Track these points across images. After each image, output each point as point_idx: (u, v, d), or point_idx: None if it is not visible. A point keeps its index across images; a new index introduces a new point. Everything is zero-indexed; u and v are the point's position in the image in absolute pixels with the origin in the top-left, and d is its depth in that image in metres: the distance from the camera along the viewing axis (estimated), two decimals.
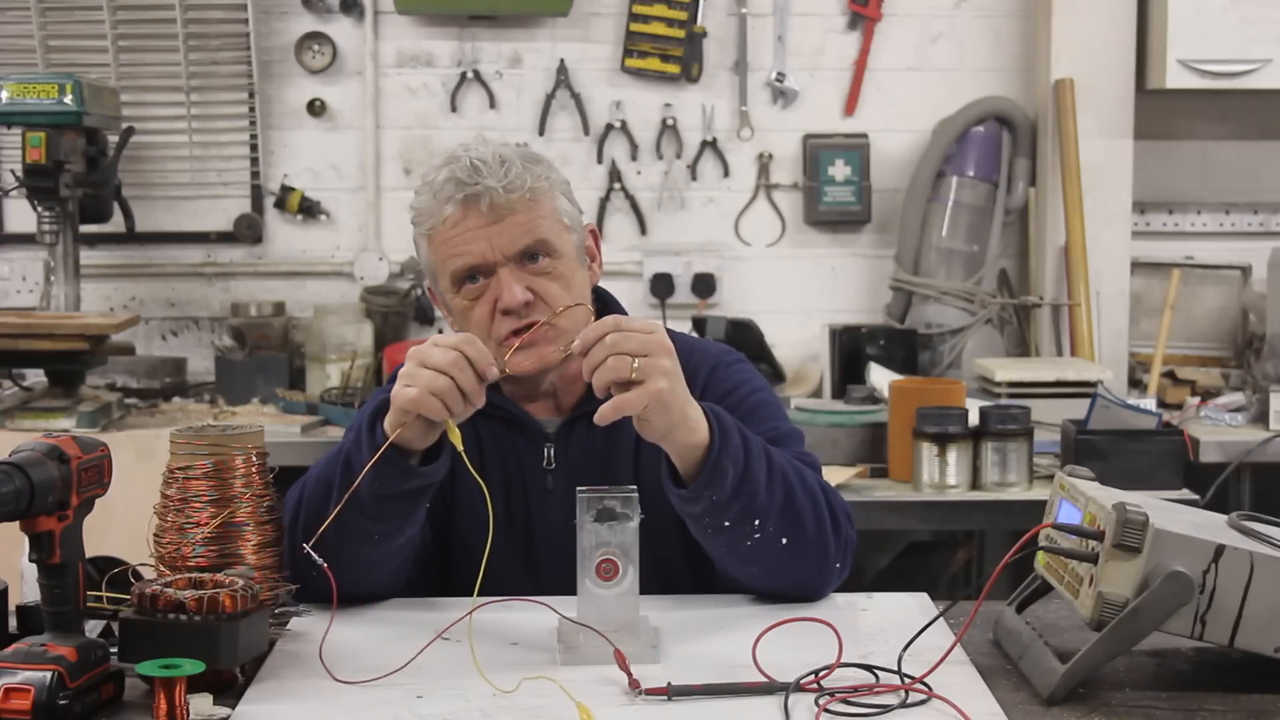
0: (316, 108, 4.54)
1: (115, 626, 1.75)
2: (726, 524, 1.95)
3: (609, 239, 4.53)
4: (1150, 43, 4.34)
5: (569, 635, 1.80)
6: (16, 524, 1.62)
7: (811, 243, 4.64)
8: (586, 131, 4.55)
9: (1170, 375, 4.28)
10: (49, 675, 1.56)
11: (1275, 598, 1.64)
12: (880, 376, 3.98)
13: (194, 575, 1.77)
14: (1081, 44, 4.36)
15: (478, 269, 2.10)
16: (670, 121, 4.56)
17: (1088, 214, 4.30)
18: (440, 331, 4.17)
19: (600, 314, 2.23)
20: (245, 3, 4.43)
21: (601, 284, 2.30)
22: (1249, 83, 4.26)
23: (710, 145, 4.58)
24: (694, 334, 4.14)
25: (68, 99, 3.90)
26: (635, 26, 4.52)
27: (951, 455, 3.40)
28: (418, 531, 2.05)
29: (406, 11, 4.48)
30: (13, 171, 4.14)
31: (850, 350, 4.23)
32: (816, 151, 4.53)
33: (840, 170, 4.52)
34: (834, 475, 3.46)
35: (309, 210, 4.55)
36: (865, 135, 4.55)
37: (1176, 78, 4.24)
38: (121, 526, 2.01)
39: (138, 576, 1.85)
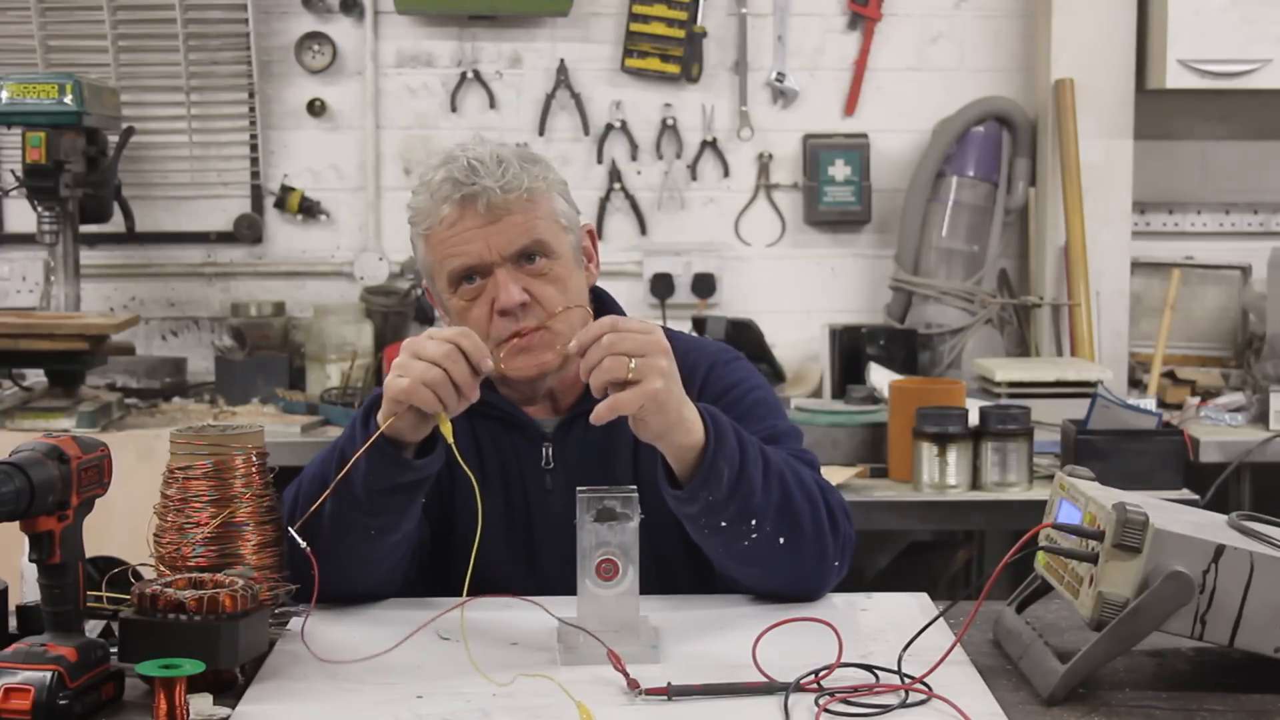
0: (316, 108, 4.54)
1: (115, 626, 1.75)
2: (723, 524, 1.95)
3: (609, 239, 4.53)
4: (1150, 43, 4.34)
5: (569, 635, 1.80)
6: (16, 524, 1.62)
7: (811, 243, 4.64)
8: (586, 131, 4.55)
9: (1170, 375, 4.28)
10: (49, 675, 1.56)
11: (1275, 598, 1.64)
12: (880, 376, 3.98)
13: (194, 575, 1.77)
14: (1081, 44, 4.36)
15: (475, 269, 2.09)
16: (670, 121, 4.56)
17: (1088, 214, 4.30)
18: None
19: (598, 314, 2.23)
20: (245, 3, 4.43)
21: (601, 284, 2.30)
22: (1249, 83, 4.26)
23: (710, 145, 4.58)
24: (693, 334, 4.14)
25: (68, 99, 3.90)
26: (635, 26, 4.52)
27: (951, 455, 3.40)
28: (414, 527, 2.04)
29: (406, 11, 4.48)
30: (13, 171, 4.14)
31: (850, 350, 4.23)
32: (816, 151, 4.53)
33: (840, 170, 4.52)
34: (834, 475, 3.46)
35: (309, 210, 4.55)
36: (865, 135, 4.55)
37: (1176, 78, 4.24)
38: (121, 526, 2.01)
39: (138, 576, 1.85)
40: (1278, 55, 4.23)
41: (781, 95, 4.59)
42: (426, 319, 4.48)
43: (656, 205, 4.60)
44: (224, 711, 1.62)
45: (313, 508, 1.87)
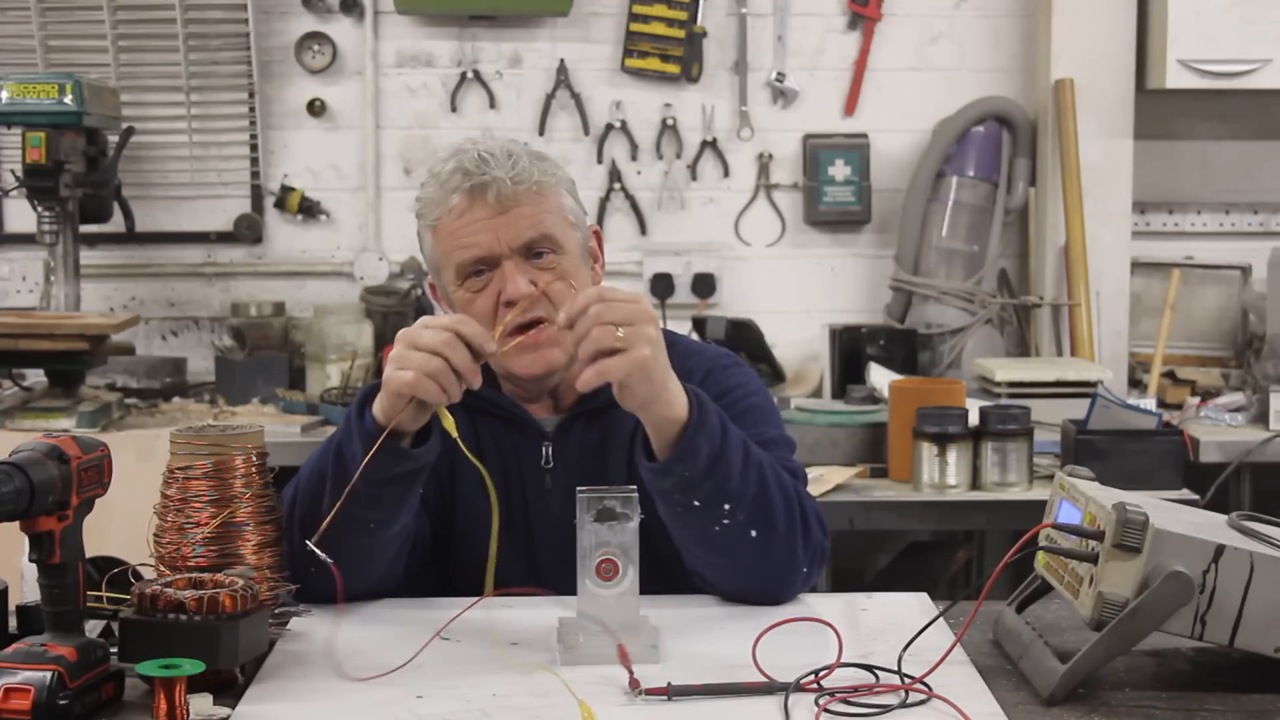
0: (316, 108, 4.54)
1: (115, 626, 1.75)
2: (696, 503, 1.94)
3: (609, 239, 4.52)
4: (1150, 43, 4.34)
5: (569, 635, 1.80)
6: (16, 524, 1.61)
7: (811, 243, 4.64)
8: (586, 131, 4.55)
9: (1170, 375, 4.28)
10: (49, 675, 1.56)
11: (1275, 598, 1.64)
12: (880, 376, 3.98)
13: (194, 575, 1.76)
14: (1081, 44, 4.36)
15: (483, 260, 2.10)
16: (670, 121, 4.57)
17: (1088, 214, 4.30)
18: None
19: None
20: (245, 3, 4.43)
21: (602, 284, 2.29)
22: (1249, 83, 4.26)
23: (710, 145, 4.58)
24: (694, 334, 4.14)
25: (68, 99, 3.90)
26: (635, 26, 4.52)
27: (951, 455, 3.40)
28: (412, 520, 2.04)
29: (406, 11, 4.48)
30: (13, 171, 4.14)
31: (850, 350, 4.23)
32: (816, 151, 4.53)
33: (840, 170, 4.52)
34: (834, 475, 3.47)
35: (309, 210, 4.55)
36: (865, 135, 4.55)
37: (1176, 78, 4.24)
38: (121, 526, 2.01)
39: (138, 576, 1.85)
40: (1278, 55, 4.23)
41: (781, 95, 4.59)
42: None
43: (656, 205, 4.60)
44: (224, 711, 1.62)
45: (326, 521, 1.86)
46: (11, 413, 3.73)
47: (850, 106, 4.59)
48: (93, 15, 4.43)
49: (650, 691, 1.64)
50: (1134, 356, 4.45)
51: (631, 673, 1.67)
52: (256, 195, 4.57)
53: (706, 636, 1.89)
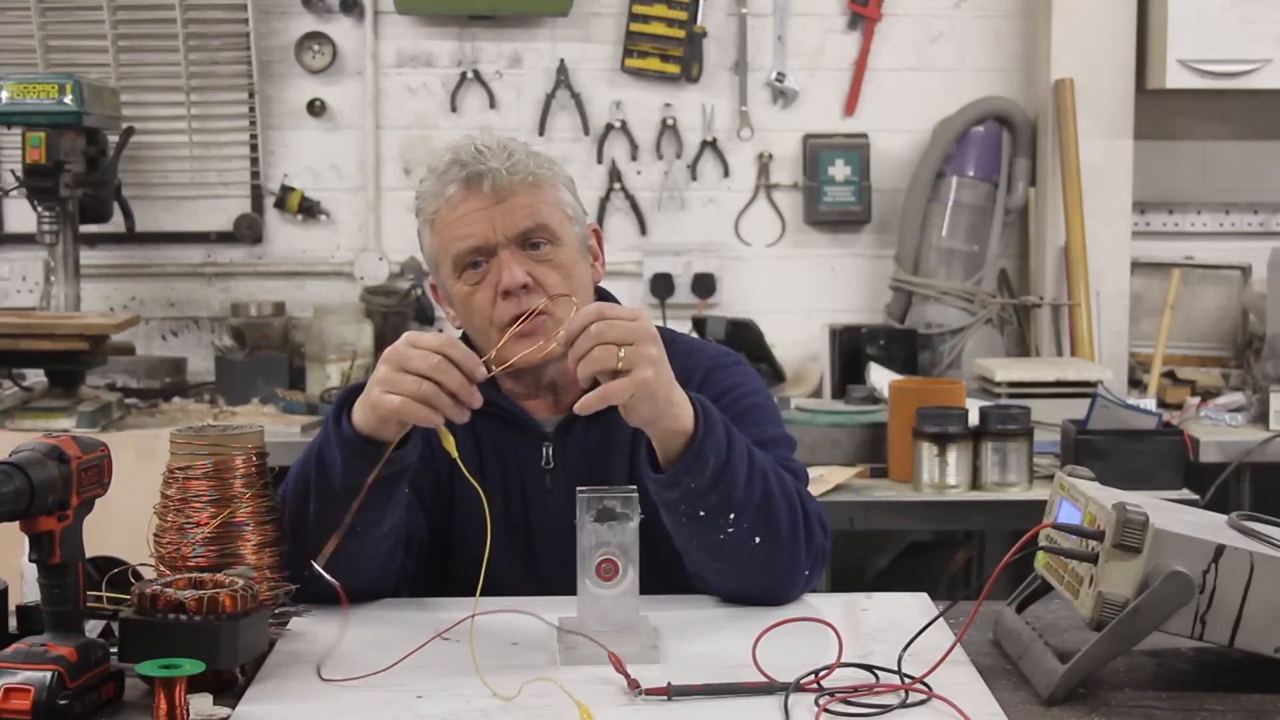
0: (316, 108, 4.54)
1: (115, 626, 1.74)
2: (701, 514, 1.94)
3: (609, 239, 4.52)
4: (1150, 43, 4.34)
5: (569, 635, 1.80)
6: (16, 524, 1.61)
7: (811, 243, 4.64)
8: (586, 131, 4.55)
9: (1170, 375, 4.28)
10: (49, 675, 1.56)
11: (1275, 598, 1.64)
12: (880, 376, 3.98)
13: (194, 575, 1.76)
14: (1081, 44, 4.36)
15: (480, 250, 2.09)
16: (670, 121, 4.57)
17: (1088, 214, 4.30)
18: (440, 330, 4.17)
19: None
20: (245, 3, 4.43)
21: (602, 284, 2.29)
22: (1249, 83, 4.26)
23: (710, 145, 4.58)
24: (694, 334, 4.14)
25: (68, 99, 3.90)
26: (635, 26, 4.52)
27: (951, 455, 3.40)
28: (401, 519, 2.03)
29: (406, 11, 4.48)
30: (13, 171, 4.14)
31: (850, 350, 4.23)
32: (816, 151, 4.53)
33: (840, 170, 4.52)
34: (834, 475, 3.47)
35: (309, 210, 4.55)
36: (865, 135, 4.55)
37: (1176, 78, 4.24)
38: (121, 526, 2.01)
39: (138, 576, 1.85)
40: (1278, 55, 4.23)
41: (781, 95, 4.59)
42: (427, 319, 4.48)
43: (656, 205, 4.60)
44: (224, 711, 1.62)
45: (326, 551, 1.85)
46: (11, 413, 3.73)
47: (850, 106, 4.59)
48: (93, 15, 4.43)
49: (650, 691, 1.64)
50: (1134, 356, 4.45)
51: (628, 677, 1.67)
52: (256, 195, 4.57)
53: (706, 636, 1.89)
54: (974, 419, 3.45)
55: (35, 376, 3.97)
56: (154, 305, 4.58)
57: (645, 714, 1.62)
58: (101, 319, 3.98)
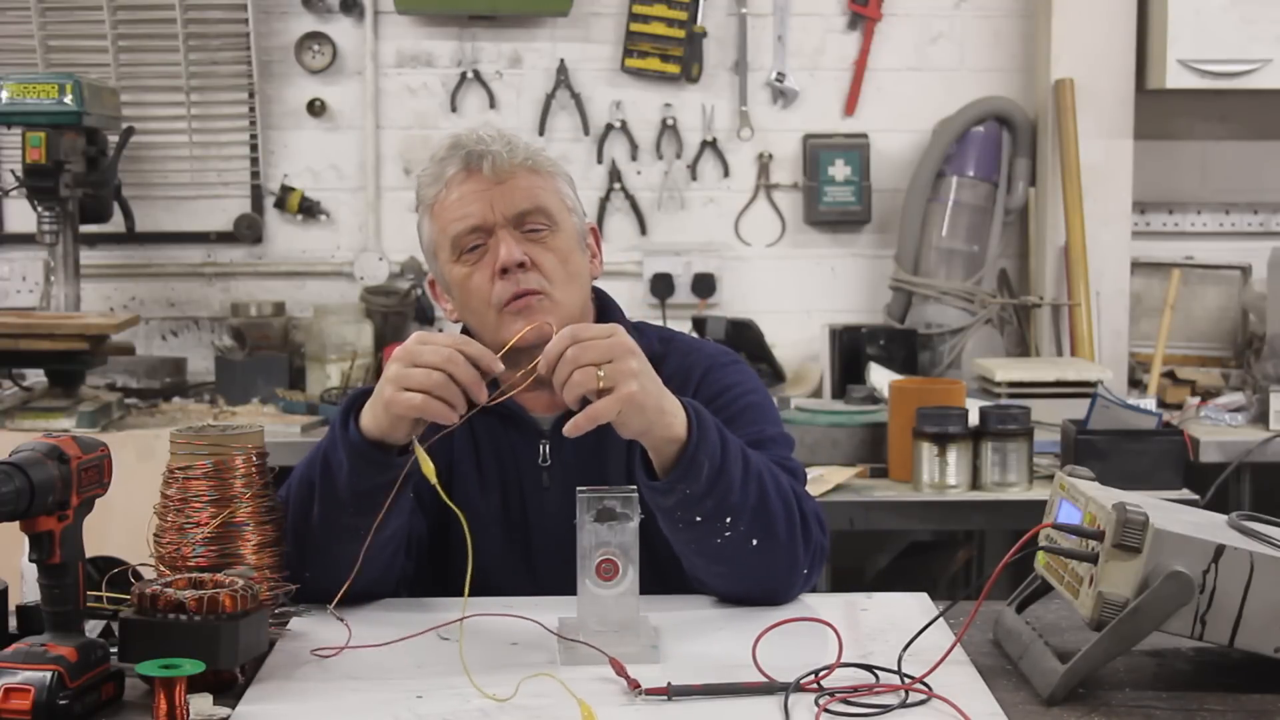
0: (316, 108, 4.54)
1: (115, 626, 1.74)
2: (698, 519, 1.94)
3: (609, 239, 4.53)
4: (1150, 43, 4.34)
5: (569, 635, 1.80)
6: (16, 524, 1.62)
7: (811, 243, 4.64)
8: (586, 131, 4.55)
9: (1170, 375, 4.28)
10: (49, 675, 1.56)
11: (1275, 598, 1.64)
12: (880, 376, 3.98)
13: (194, 575, 1.76)
14: (1081, 44, 4.36)
15: (478, 229, 2.10)
16: (670, 121, 4.57)
17: (1088, 214, 4.30)
18: (440, 330, 4.17)
19: (599, 315, 2.23)
20: (245, 3, 4.43)
21: (601, 284, 2.30)
22: (1249, 83, 4.26)
23: (710, 145, 4.58)
24: (694, 334, 4.14)
25: (68, 99, 3.90)
26: (635, 26, 4.52)
27: (951, 455, 3.40)
28: (405, 522, 2.03)
29: (406, 11, 4.48)
30: (13, 171, 4.14)
31: (850, 350, 4.23)
32: (816, 151, 4.53)
33: (840, 170, 4.52)
34: (834, 475, 3.47)
35: (309, 210, 4.55)
36: (865, 135, 4.55)
37: (1176, 78, 4.24)
38: (121, 526, 2.01)
39: (138, 576, 1.85)
40: (1278, 55, 4.23)
41: (781, 95, 4.59)
42: (427, 319, 4.48)
43: (656, 205, 4.60)
44: (224, 711, 1.62)
45: (344, 588, 1.87)
46: (11, 413, 3.73)
47: (850, 106, 4.59)
48: (93, 15, 4.43)
49: (650, 691, 1.64)
50: (1134, 356, 4.45)
51: (628, 679, 1.67)
52: (256, 195, 4.57)
53: (706, 636, 1.89)
54: (974, 419, 3.45)
55: (35, 376, 3.97)
56: (154, 305, 4.58)
57: (645, 714, 1.62)
58: (101, 319, 3.98)
